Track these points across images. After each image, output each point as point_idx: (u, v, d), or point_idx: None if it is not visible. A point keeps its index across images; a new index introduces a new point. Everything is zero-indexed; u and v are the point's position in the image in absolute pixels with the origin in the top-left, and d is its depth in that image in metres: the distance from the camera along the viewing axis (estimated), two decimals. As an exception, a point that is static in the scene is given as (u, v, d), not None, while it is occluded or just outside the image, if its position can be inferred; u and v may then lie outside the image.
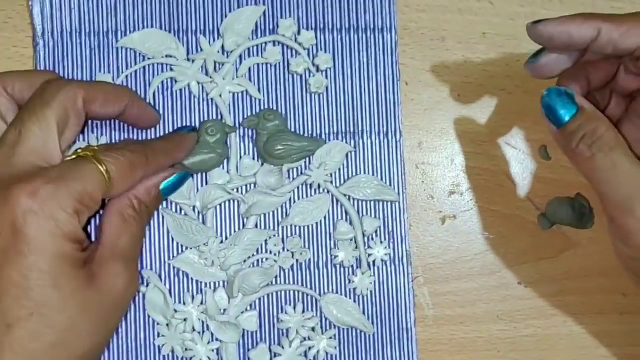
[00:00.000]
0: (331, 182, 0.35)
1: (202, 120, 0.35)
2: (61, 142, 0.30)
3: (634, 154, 0.29)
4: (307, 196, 0.35)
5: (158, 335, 0.34)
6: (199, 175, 0.35)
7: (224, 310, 0.34)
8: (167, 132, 0.35)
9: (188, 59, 0.35)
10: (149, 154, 0.31)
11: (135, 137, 0.34)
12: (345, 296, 0.35)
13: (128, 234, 0.31)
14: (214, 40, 0.35)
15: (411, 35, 0.36)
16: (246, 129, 0.35)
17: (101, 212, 0.31)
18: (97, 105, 0.31)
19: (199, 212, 0.35)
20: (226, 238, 0.35)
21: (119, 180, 0.30)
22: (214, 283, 0.34)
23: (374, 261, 0.35)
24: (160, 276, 0.34)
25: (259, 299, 0.35)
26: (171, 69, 0.35)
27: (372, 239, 0.35)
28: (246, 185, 0.35)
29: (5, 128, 0.30)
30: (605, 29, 0.29)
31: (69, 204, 0.28)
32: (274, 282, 0.35)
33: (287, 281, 0.35)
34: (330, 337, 0.35)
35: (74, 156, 0.30)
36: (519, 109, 0.37)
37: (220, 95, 0.35)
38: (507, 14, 0.37)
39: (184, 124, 0.35)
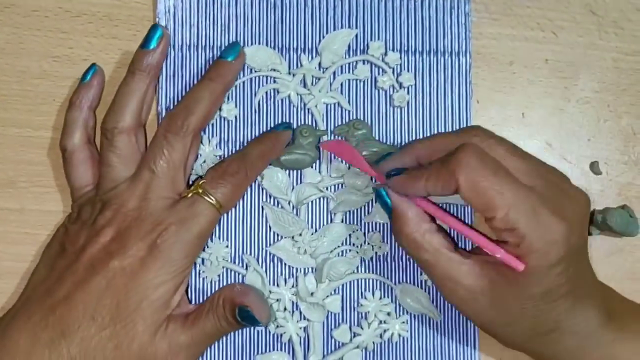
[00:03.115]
0: (409, 185, 0.40)
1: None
2: (186, 172, 0.37)
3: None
4: (387, 197, 0.40)
5: (254, 313, 0.39)
6: (295, 175, 0.40)
7: (312, 293, 0.39)
8: (269, 132, 0.40)
9: (290, 73, 0.40)
10: (249, 169, 0.37)
11: (242, 136, 0.40)
12: (418, 286, 0.40)
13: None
14: (312, 57, 0.40)
15: (483, 59, 0.41)
16: (337, 136, 0.40)
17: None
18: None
19: (294, 207, 0.40)
20: (316, 230, 0.40)
21: (228, 204, 0.37)
22: (305, 269, 0.39)
23: (443, 257, 0.40)
24: (258, 260, 0.39)
25: (343, 285, 0.39)
26: (275, 82, 0.40)
27: (443, 237, 0.40)
28: (335, 185, 0.40)
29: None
30: None
31: (191, 244, 0.35)
32: (356, 271, 0.40)
33: (367, 271, 0.40)
34: (404, 322, 0.39)
35: (189, 195, 0.36)
36: (575, 127, 0.42)
37: (316, 106, 0.40)
38: (568, 44, 0.42)
39: (283, 130, 0.40)
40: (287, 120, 0.40)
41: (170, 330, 0.35)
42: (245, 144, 0.39)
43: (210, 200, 0.36)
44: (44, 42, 0.40)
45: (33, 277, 0.36)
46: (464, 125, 0.40)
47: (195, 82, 0.39)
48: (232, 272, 0.39)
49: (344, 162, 0.40)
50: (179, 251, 0.35)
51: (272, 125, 0.40)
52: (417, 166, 0.35)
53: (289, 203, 0.40)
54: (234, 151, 0.40)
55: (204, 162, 0.39)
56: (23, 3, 0.40)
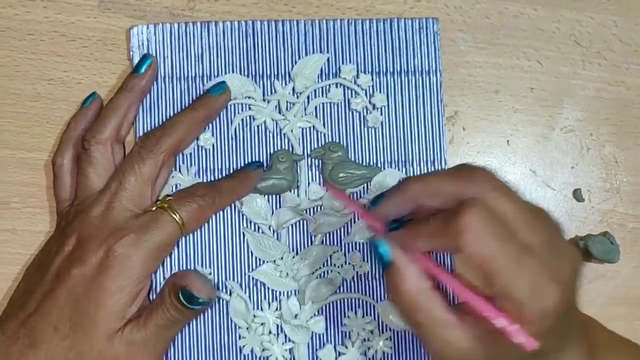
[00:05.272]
0: (387, 204, 0.41)
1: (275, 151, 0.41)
2: (154, 191, 0.38)
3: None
4: (366, 217, 0.41)
5: (240, 338, 0.39)
6: (275, 199, 0.40)
7: (296, 315, 0.40)
8: (246, 161, 0.40)
9: (264, 100, 0.41)
10: (217, 196, 0.38)
11: (220, 163, 0.40)
12: (399, 303, 0.40)
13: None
14: (286, 83, 0.41)
15: (470, 87, 0.42)
16: (314, 159, 0.41)
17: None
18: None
19: (274, 231, 0.40)
20: (297, 253, 0.40)
21: (191, 224, 0.37)
22: (288, 292, 0.40)
23: (423, 273, 0.41)
24: (241, 286, 0.40)
25: (326, 305, 0.40)
26: (250, 109, 0.41)
27: (422, 253, 0.41)
28: (314, 208, 0.40)
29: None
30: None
31: (149, 254, 0.36)
32: (338, 291, 0.40)
33: (349, 290, 0.40)
34: (387, 339, 0.40)
35: (154, 208, 0.37)
36: (558, 155, 0.42)
37: (291, 131, 0.41)
38: (553, 73, 0.43)
39: (261, 155, 0.40)
40: (264, 146, 0.41)
41: (126, 331, 0.35)
42: (223, 171, 0.40)
43: (174, 216, 0.36)
44: (38, 65, 0.41)
45: (14, 293, 0.37)
46: (437, 142, 0.41)
47: (171, 113, 0.40)
48: (216, 299, 0.40)
49: (321, 184, 0.40)
50: (137, 260, 0.35)
51: (249, 152, 0.40)
52: (415, 216, 0.33)
53: (269, 228, 0.40)
54: (212, 180, 0.40)
55: (184, 191, 0.40)
56: (19, 27, 0.41)
